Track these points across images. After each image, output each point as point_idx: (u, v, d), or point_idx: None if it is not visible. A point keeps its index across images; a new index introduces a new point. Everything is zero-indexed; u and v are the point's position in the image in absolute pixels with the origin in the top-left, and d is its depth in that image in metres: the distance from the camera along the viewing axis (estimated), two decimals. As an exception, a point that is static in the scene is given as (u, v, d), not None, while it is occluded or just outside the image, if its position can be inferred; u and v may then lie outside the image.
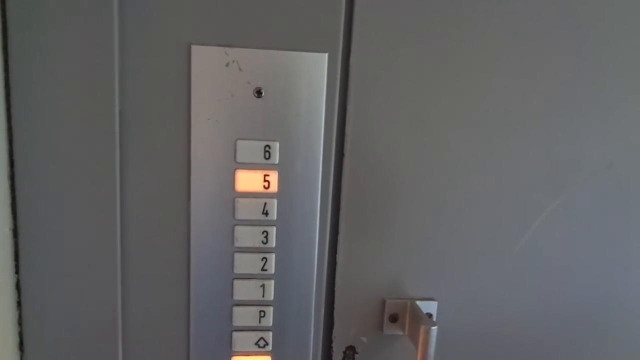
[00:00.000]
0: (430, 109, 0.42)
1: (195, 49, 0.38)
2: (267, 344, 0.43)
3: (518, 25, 0.41)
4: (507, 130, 0.43)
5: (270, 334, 0.43)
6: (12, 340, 0.39)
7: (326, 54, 0.39)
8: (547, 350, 0.48)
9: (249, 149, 0.40)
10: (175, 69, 0.38)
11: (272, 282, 0.42)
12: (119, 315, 0.41)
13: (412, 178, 0.43)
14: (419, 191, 0.43)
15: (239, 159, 0.40)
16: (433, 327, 0.40)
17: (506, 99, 0.42)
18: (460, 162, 0.43)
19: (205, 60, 0.38)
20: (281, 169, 0.40)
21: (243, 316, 0.42)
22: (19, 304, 0.39)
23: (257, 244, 0.41)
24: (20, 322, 0.40)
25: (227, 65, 0.38)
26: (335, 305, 0.44)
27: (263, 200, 0.41)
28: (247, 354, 0.43)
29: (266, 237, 0.41)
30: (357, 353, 0.45)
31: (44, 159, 0.38)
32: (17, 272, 0.39)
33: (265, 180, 0.40)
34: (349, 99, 0.41)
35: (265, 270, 0.42)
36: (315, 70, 0.39)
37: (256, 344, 0.43)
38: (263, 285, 0.42)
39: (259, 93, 0.39)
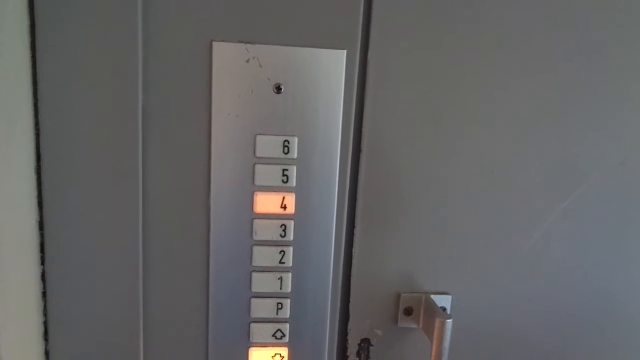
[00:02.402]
0: (446, 106, 0.42)
1: (217, 46, 0.38)
2: (284, 335, 0.44)
3: (532, 26, 0.42)
4: (521, 129, 0.43)
5: (288, 326, 0.44)
6: (37, 330, 0.40)
7: (345, 51, 0.40)
8: (559, 346, 0.49)
9: (269, 144, 0.40)
10: (197, 65, 0.39)
11: (290, 275, 0.43)
12: (141, 305, 0.41)
13: (427, 174, 0.43)
14: (435, 187, 0.44)
15: (258, 154, 0.40)
16: (448, 320, 0.41)
17: (521, 98, 0.43)
18: (475, 159, 0.43)
19: (227, 56, 0.39)
20: (300, 163, 0.41)
21: (261, 308, 0.43)
22: (44, 295, 0.40)
23: (276, 237, 0.42)
24: (45, 313, 0.41)
25: (247, 61, 0.39)
26: (351, 299, 0.45)
27: (282, 195, 0.41)
28: (265, 345, 0.44)
29: (284, 230, 0.42)
30: (372, 346, 0.46)
31: (70, 153, 0.39)
32: (42, 263, 0.40)
33: (284, 175, 0.41)
34: (366, 96, 0.41)
35: (283, 263, 0.42)
36: (334, 67, 0.40)
37: (274, 335, 0.44)
38: (281, 278, 0.43)
39: (278, 89, 0.40)
